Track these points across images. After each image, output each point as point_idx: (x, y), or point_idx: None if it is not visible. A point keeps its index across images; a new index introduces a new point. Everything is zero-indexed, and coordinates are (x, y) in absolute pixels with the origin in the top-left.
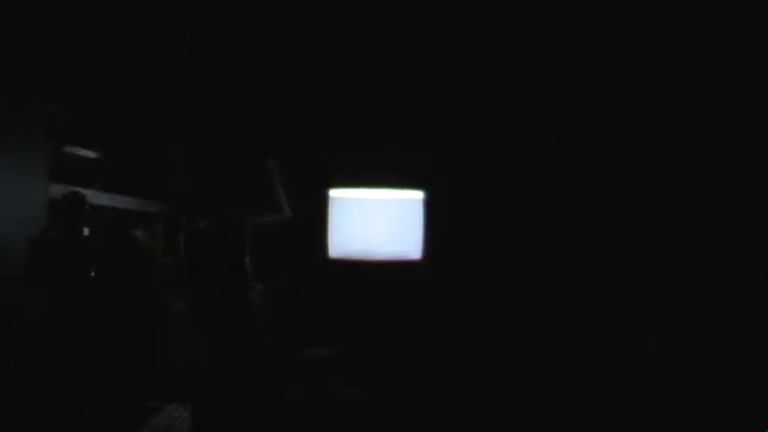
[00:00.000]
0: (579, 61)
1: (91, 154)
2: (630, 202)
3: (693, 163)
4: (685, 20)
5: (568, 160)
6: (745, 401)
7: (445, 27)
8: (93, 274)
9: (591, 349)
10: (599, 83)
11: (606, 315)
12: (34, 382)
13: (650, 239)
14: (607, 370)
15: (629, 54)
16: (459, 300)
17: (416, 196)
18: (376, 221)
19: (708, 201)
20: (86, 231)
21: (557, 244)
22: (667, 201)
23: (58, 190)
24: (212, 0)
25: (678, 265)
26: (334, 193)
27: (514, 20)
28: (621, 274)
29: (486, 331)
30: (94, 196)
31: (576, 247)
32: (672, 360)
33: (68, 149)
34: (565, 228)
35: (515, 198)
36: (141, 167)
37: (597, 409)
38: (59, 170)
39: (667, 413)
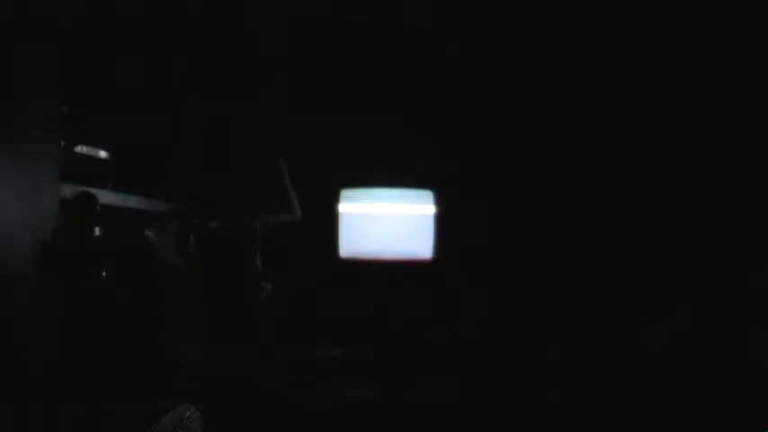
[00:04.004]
0: (586, 62)
1: (102, 154)
2: (638, 200)
3: (697, 163)
4: (686, 23)
5: (576, 161)
6: (745, 401)
7: (452, 27)
8: (104, 274)
9: (596, 348)
10: (609, 81)
11: (609, 314)
12: (45, 382)
13: (654, 241)
14: (611, 369)
15: (634, 53)
16: (469, 299)
17: (427, 195)
18: (386, 220)
19: (709, 201)
20: (97, 231)
21: (565, 243)
22: (670, 200)
23: (68, 190)
24: (221, 2)
25: (679, 265)
26: (344, 192)
27: (522, 18)
28: (627, 274)
29: (494, 330)
30: (105, 196)
31: (582, 245)
32: (673, 360)
33: (79, 149)
34: (572, 226)
35: (525, 197)
36: (152, 167)
37: (601, 408)
38: (70, 170)
39: (668, 413)
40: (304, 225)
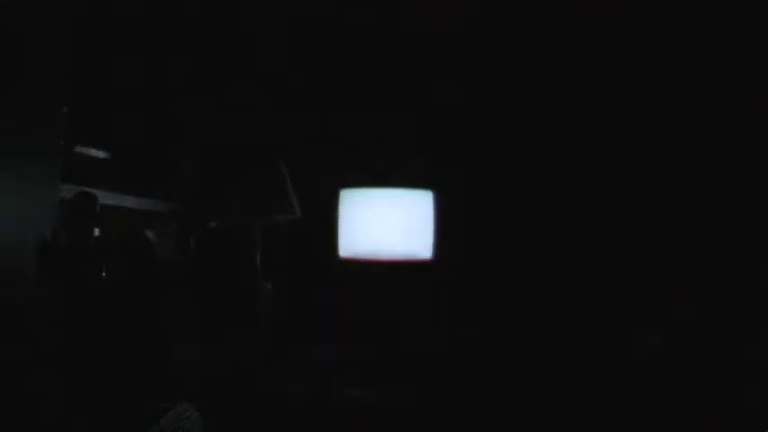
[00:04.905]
0: (586, 62)
1: (101, 154)
2: (638, 200)
3: (697, 162)
4: (686, 23)
5: (577, 161)
6: (745, 401)
7: (453, 27)
8: (103, 274)
9: (595, 350)
10: (609, 80)
11: (610, 315)
12: (43, 383)
13: (655, 241)
14: (610, 370)
15: (634, 53)
16: (468, 300)
17: (427, 195)
18: (386, 221)
19: (710, 200)
20: (97, 232)
21: (565, 242)
22: (670, 199)
23: (68, 190)
24: (220, 1)
25: (679, 265)
26: (344, 192)
27: (524, 17)
28: (627, 274)
29: (493, 332)
30: (105, 196)
31: (582, 245)
32: (673, 360)
33: (79, 149)
34: (573, 226)
35: (525, 197)
36: (152, 167)
37: (600, 410)
38: (70, 170)
39: (668, 413)
40: (304, 225)
